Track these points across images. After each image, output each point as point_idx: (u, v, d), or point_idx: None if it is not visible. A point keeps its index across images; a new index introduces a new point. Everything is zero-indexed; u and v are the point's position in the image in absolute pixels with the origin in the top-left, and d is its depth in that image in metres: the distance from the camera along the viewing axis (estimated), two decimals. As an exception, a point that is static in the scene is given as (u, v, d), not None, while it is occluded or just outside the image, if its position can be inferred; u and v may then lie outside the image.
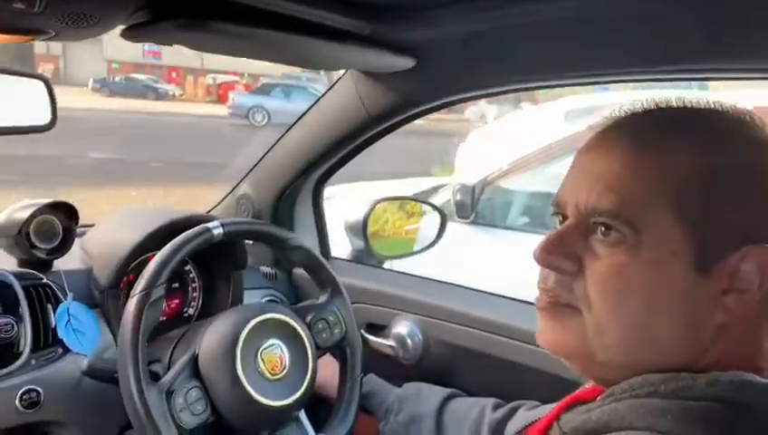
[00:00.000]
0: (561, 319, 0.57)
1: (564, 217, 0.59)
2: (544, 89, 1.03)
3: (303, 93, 14.73)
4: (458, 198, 2.60)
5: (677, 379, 0.52)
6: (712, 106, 0.58)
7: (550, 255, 0.57)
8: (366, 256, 1.50)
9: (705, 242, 0.51)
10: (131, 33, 0.76)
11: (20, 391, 0.97)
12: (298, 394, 0.98)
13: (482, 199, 2.70)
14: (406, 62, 0.98)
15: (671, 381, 0.52)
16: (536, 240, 0.59)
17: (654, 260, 0.52)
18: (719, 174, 0.52)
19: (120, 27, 0.76)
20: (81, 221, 1.32)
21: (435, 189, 3.34)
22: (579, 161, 0.59)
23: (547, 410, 0.84)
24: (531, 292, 0.63)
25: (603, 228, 0.54)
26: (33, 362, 1.01)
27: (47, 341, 1.04)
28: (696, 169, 0.52)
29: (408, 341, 1.25)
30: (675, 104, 0.59)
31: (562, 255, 0.56)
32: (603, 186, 0.54)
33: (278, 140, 1.38)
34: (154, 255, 0.98)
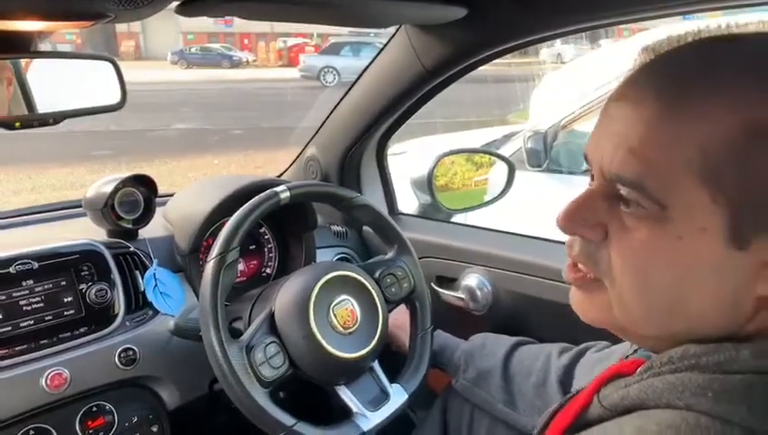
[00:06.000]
0: (587, 293, 0.55)
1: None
2: (605, 27, 0.98)
3: (372, 49, 14.51)
4: (529, 145, 2.51)
5: (720, 350, 0.46)
6: None
7: (573, 223, 0.53)
8: (433, 211, 1.50)
9: (741, 217, 0.45)
10: (185, 10, 0.78)
11: (118, 350, 1.07)
12: (370, 347, 1.01)
13: (555, 145, 2.61)
14: (457, 12, 0.96)
15: (713, 354, 0.47)
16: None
17: (681, 236, 0.46)
18: (762, 133, 0.43)
19: (175, 4, 0.79)
20: (169, 189, 1.41)
21: (507, 138, 3.26)
22: (606, 113, 0.52)
23: (617, 351, 0.82)
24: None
25: (627, 199, 0.49)
26: (127, 323, 1.11)
27: (138, 304, 1.14)
28: (733, 128, 0.44)
29: (478, 292, 1.26)
30: (718, 36, 0.50)
31: (587, 224, 0.52)
32: (626, 150, 0.48)
33: (339, 101, 1.40)
34: (229, 219, 1.03)
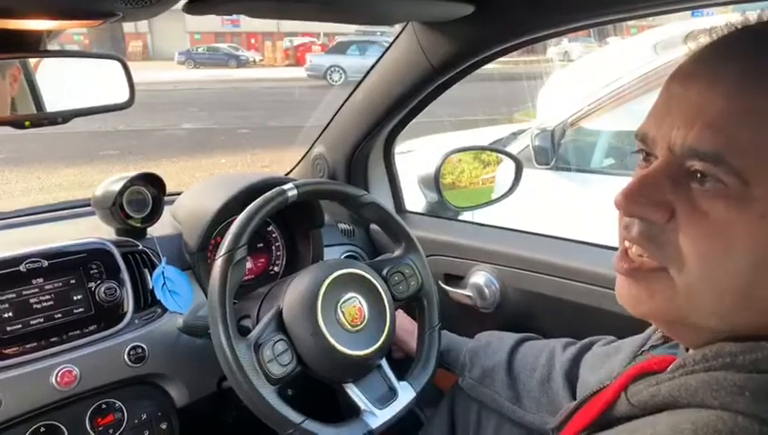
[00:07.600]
0: (644, 283, 0.51)
1: (649, 156, 0.52)
2: (612, 24, 0.97)
3: (378, 48, 14.47)
4: (537, 143, 2.51)
5: (757, 349, 0.45)
6: None
7: (635, 203, 0.49)
8: (440, 209, 1.50)
9: None
10: (192, 8, 0.78)
11: (127, 348, 1.07)
12: (378, 344, 1.01)
13: (563, 143, 2.61)
14: (464, 9, 0.96)
15: (750, 352, 0.45)
16: (622, 182, 0.52)
17: (764, 215, 0.44)
18: None
19: (182, 2, 0.79)
20: (177, 188, 1.41)
21: (514, 135, 3.26)
22: (672, 91, 0.50)
23: (624, 346, 0.81)
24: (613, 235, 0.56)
25: (700, 175, 0.46)
26: (136, 321, 1.11)
27: (147, 302, 1.14)
28: None
29: (486, 290, 1.26)
30: None
31: (650, 203, 0.48)
32: (703, 124, 0.46)
33: (346, 99, 1.40)
34: (237, 217, 1.03)
